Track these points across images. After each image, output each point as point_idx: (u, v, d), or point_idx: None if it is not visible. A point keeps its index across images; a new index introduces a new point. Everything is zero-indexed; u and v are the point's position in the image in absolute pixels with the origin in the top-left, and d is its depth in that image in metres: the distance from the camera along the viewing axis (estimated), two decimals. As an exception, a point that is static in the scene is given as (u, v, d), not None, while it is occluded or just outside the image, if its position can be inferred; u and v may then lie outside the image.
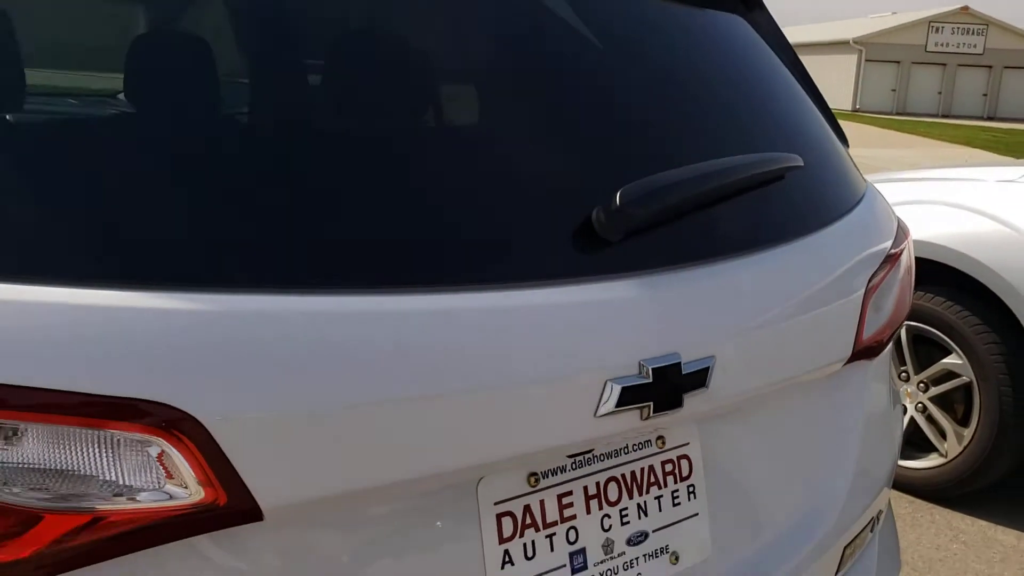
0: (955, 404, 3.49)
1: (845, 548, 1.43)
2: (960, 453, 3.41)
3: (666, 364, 1.05)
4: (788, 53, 1.68)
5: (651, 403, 1.04)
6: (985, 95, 46.59)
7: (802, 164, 1.35)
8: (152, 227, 0.83)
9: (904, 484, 3.56)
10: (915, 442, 3.61)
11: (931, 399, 3.52)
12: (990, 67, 46.28)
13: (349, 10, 1.14)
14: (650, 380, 1.03)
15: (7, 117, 1.05)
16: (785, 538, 1.31)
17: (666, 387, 1.05)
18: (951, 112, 45.32)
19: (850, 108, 43.43)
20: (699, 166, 1.15)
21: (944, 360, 3.45)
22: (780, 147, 1.38)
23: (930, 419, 3.53)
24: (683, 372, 1.07)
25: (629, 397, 1.02)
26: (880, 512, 1.58)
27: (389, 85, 1.08)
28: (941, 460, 3.48)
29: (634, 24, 1.37)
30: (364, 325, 0.86)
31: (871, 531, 1.54)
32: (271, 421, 0.82)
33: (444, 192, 0.99)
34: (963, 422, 3.43)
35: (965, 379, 3.38)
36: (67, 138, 0.88)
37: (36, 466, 0.75)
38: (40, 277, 0.76)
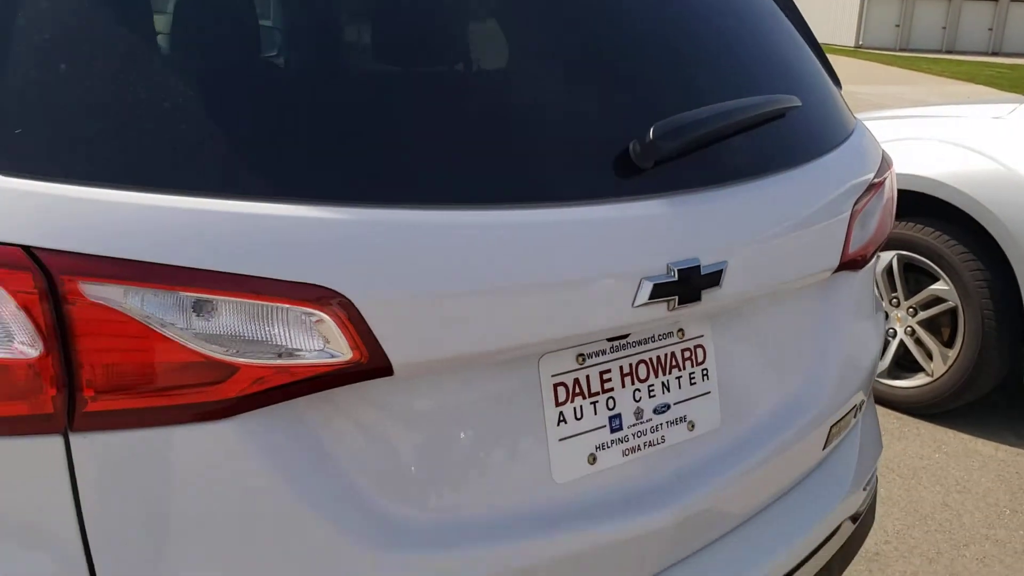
0: (941, 327, 3.69)
1: (831, 427, 1.70)
2: (945, 372, 3.63)
3: (689, 266, 1.30)
4: (790, 5, 1.92)
5: (676, 297, 1.30)
6: (991, 29, 45.81)
7: (800, 104, 1.60)
8: (326, 159, 1.09)
9: (893, 401, 3.78)
10: (904, 363, 3.82)
11: (919, 323, 3.72)
12: (996, 0, 45.66)
13: None
14: (676, 279, 1.29)
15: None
16: (780, 415, 1.59)
17: (688, 285, 1.30)
18: (955, 48, 44.74)
19: (853, 45, 43.00)
20: (715, 106, 1.40)
21: (932, 286, 3.64)
22: (782, 89, 1.61)
23: (918, 341, 3.74)
24: (702, 273, 1.32)
25: (659, 292, 1.28)
26: (862, 402, 1.86)
27: (467, 44, 1.33)
28: (927, 379, 3.70)
29: None
30: (465, 232, 1.12)
31: (854, 416, 1.82)
32: (402, 301, 1.08)
33: (524, 131, 1.24)
34: (948, 344, 3.64)
35: (951, 304, 3.58)
36: (282, 81, 1.13)
37: (232, 330, 1.01)
38: (237, 193, 1.02)
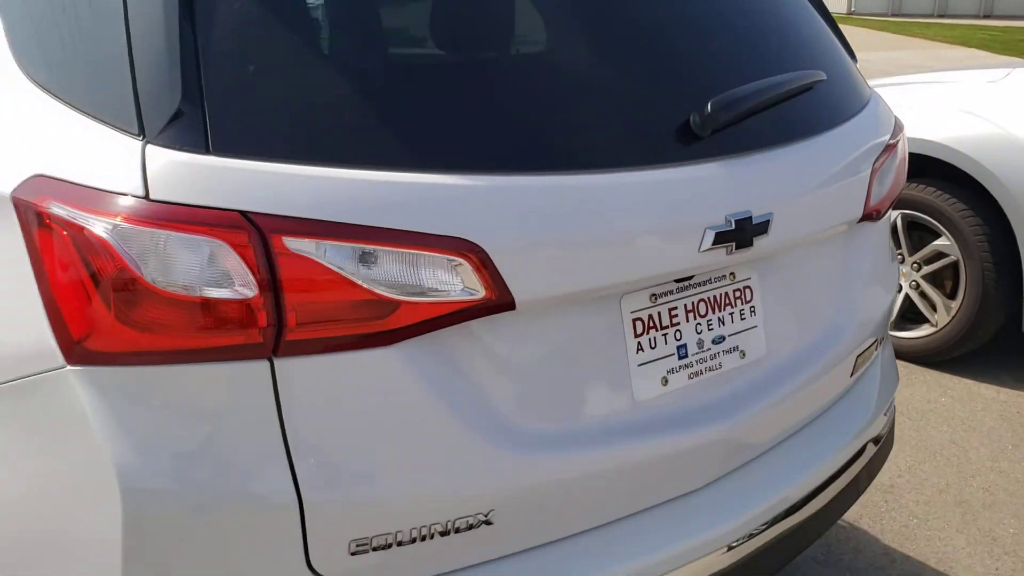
0: (944, 281, 3.92)
1: (857, 357, 1.97)
2: (948, 323, 3.87)
3: (743, 217, 1.55)
4: None
5: (733, 243, 1.55)
6: (982, -7, 45.84)
7: (825, 78, 1.85)
8: (462, 139, 1.34)
9: (900, 351, 3.98)
10: (909, 315, 4.05)
11: (923, 277, 3.95)
12: (987, -36, 45.46)
13: None
14: (732, 228, 1.54)
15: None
16: (815, 345, 1.85)
17: (743, 233, 1.55)
18: (947, 11, 44.47)
19: (845, 11, 42.94)
20: (758, 83, 1.65)
21: (935, 242, 3.87)
22: (809, 65, 1.86)
23: (922, 295, 3.97)
24: (753, 223, 1.57)
25: (720, 239, 1.53)
26: (882, 338, 2.13)
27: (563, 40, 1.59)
28: (932, 330, 3.94)
29: None
30: (569, 193, 1.38)
31: (875, 349, 2.09)
32: (523, 249, 1.34)
33: (611, 112, 1.50)
34: (951, 296, 3.87)
35: (953, 258, 3.81)
36: (435, 78, 1.39)
37: (395, 274, 1.27)
38: (395, 166, 1.28)
